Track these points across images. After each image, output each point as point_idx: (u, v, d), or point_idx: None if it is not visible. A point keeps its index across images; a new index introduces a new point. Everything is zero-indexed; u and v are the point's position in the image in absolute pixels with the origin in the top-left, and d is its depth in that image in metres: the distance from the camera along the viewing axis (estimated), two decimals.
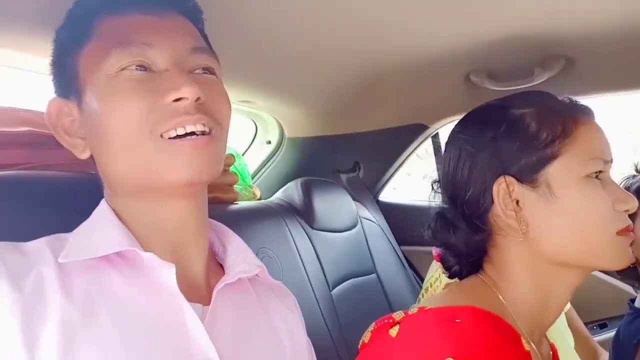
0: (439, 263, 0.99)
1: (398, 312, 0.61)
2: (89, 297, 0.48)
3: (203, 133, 0.53)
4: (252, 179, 1.49)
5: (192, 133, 0.52)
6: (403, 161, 1.60)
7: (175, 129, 0.51)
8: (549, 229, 0.61)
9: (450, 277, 0.71)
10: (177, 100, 0.51)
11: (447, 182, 0.68)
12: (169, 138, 0.52)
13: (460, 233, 0.65)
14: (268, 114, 1.45)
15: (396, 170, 1.63)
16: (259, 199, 1.34)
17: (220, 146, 0.56)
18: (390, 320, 0.60)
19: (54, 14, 0.59)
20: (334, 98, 1.27)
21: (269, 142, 1.57)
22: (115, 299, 0.50)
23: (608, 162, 0.64)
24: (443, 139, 1.58)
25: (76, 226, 0.56)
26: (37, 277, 0.47)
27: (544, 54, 1.01)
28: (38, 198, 0.61)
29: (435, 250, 0.74)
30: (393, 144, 1.54)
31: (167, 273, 0.51)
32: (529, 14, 0.82)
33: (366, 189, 1.59)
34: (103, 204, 0.57)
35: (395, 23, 0.85)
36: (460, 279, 0.70)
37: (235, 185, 1.15)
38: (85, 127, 0.55)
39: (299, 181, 1.32)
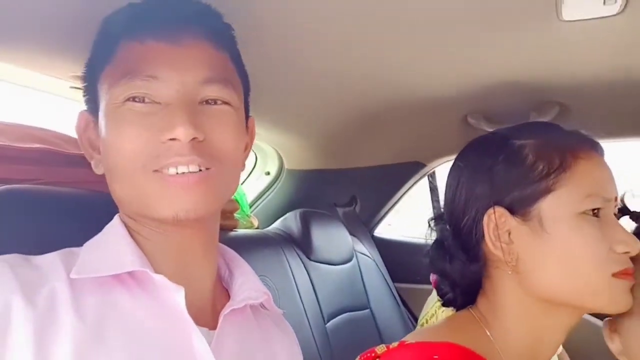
0: (435, 298, 1.00)
1: (381, 345, 0.60)
2: (100, 316, 0.48)
3: (198, 171, 0.52)
4: (250, 208, 1.50)
5: (185, 172, 0.51)
6: (399, 198, 1.62)
7: (168, 168, 0.51)
8: (539, 265, 0.59)
9: (444, 305, 0.70)
10: (172, 139, 0.50)
11: (447, 210, 0.68)
12: (162, 174, 0.51)
13: (456, 262, 0.64)
14: (268, 145, 1.47)
15: (392, 206, 1.64)
16: (256, 229, 1.34)
17: (220, 182, 0.54)
18: (373, 354, 0.59)
19: (62, 32, 0.61)
20: (334, 132, 1.30)
21: (268, 173, 1.58)
22: (125, 320, 0.49)
23: (610, 199, 0.61)
24: (439, 178, 1.61)
25: (84, 242, 0.56)
26: (50, 292, 0.47)
27: (539, 100, 1.05)
28: (49, 212, 0.62)
29: (432, 277, 0.74)
30: (390, 180, 1.56)
31: (177, 296, 0.51)
32: (525, 62, 0.86)
33: (362, 224, 1.60)
34: (116, 220, 0.57)
35: (396, 63, 0.88)
36: (456, 307, 0.69)
37: (235, 213, 1.15)
38: (100, 146, 0.56)
39: (297, 212, 1.33)
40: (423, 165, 1.52)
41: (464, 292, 0.67)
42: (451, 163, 0.71)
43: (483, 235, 0.62)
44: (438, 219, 0.72)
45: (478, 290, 0.67)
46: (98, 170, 0.58)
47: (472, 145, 0.70)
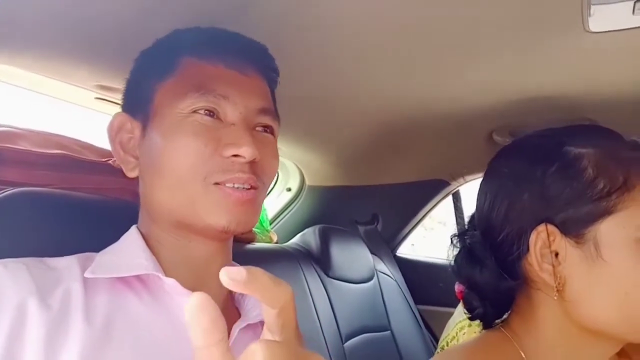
0: (457, 320, 0.96)
1: None
2: (109, 321, 0.49)
3: (249, 188, 0.55)
4: (270, 224, 1.49)
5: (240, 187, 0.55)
6: (423, 216, 1.58)
7: (226, 183, 0.54)
8: (589, 294, 0.54)
9: (472, 319, 0.65)
10: (235, 155, 0.54)
11: (481, 218, 0.62)
12: (219, 185, 0.54)
13: (488, 273, 0.59)
14: (290, 161, 1.47)
15: (415, 225, 1.60)
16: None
17: (259, 202, 0.59)
18: None
19: (87, 42, 0.63)
20: (357, 149, 1.29)
21: (289, 189, 1.58)
22: (133, 325, 0.50)
23: None
24: (464, 197, 1.57)
25: (100, 246, 0.57)
26: (64, 293, 0.48)
27: (567, 116, 1.01)
28: (64, 216, 0.62)
29: (458, 287, 0.69)
30: (413, 198, 1.53)
31: (186, 302, 0.51)
32: (551, 76, 0.84)
33: (384, 243, 1.57)
34: (133, 229, 0.59)
35: (420, 79, 0.87)
36: (486, 322, 0.65)
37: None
38: (143, 150, 0.58)
39: (316, 228, 1.31)
40: (447, 184, 1.48)
41: (494, 306, 0.62)
42: (477, 181, 0.67)
43: (525, 252, 0.56)
44: (461, 235, 0.68)
45: (509, 304, 0.62)
46: (132, 173, 0.60)
47: (518, 147, 0.63)
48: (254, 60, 0.61)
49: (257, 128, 0.59)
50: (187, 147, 0.54)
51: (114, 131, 0.60)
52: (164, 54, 0.60)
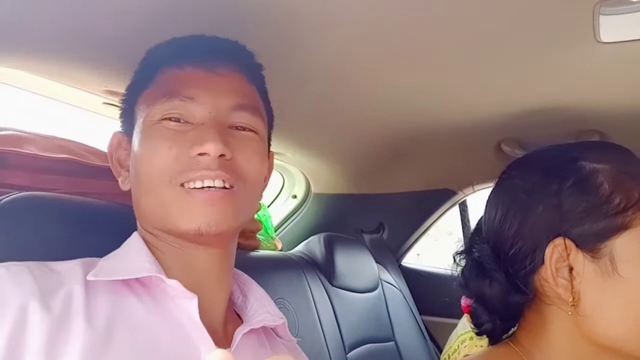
0: (459, 332, 0.94)
1: None
2: (110, 323, 0.49)
3: (222, 188, 0.54)
4: (275, 231, 1.49)
5: (211, 187, 0.54)
6: (429, 226, 1.57)
7: (194, 182, 0.53)
8: (604, 310, 0.53)
9: (479, 334, 0.64)
10: (201, 154, 0.54)
11: (491, 231, 0.61)
12: (188, 188, 0.54)
13: (498, 287, 0.58)
14: (296, 168, 1.47)
15: (421, 235, 1.59)
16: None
17: (242, 201, 0.56)
18: None
19: (96, 47, 0.64)
20: (364, 157, 1.28)
21: (295, 197, 1.58)
22: (134, 328, 0.50)
23: None
24: (471, 207, 1.56)
25: (104, 251, 0.57)
26: (66, 296, 0.48)
27: (577, 127, 1.00)
28: (68, 221, 0.62)
29: (464, 301, 0.67)
30: (419, 207, 1.52)
31: (190, 305, 0.52)
32: (562, 87, 0.83)
33: (389, 252, 1.56)
34: (135, 235, 0.59)
35: (428, 89, 0.87)
36: (493, 339, 0.63)
37: (258, 234, 1.14)
38: (130, 162, 0.59)
39: (321, 236, 1.31)
40: (454, 193, 1.47)
41: (503, 321, 0.61)
42: (483, 191, 0.66)
43: (539, 267, 0.56)
44: (469, 249, 0.66)
45: (516, 319, 0.62)
46: (124, 187, 0.61)
47: (532, 160, 0.63)
48: (228, 58, 0.60)
49: (236, 127, 0.58)
50: (154, 151, 0.55)
51: (113, 148, 0.63)
52: (145, 67, 0.62)
